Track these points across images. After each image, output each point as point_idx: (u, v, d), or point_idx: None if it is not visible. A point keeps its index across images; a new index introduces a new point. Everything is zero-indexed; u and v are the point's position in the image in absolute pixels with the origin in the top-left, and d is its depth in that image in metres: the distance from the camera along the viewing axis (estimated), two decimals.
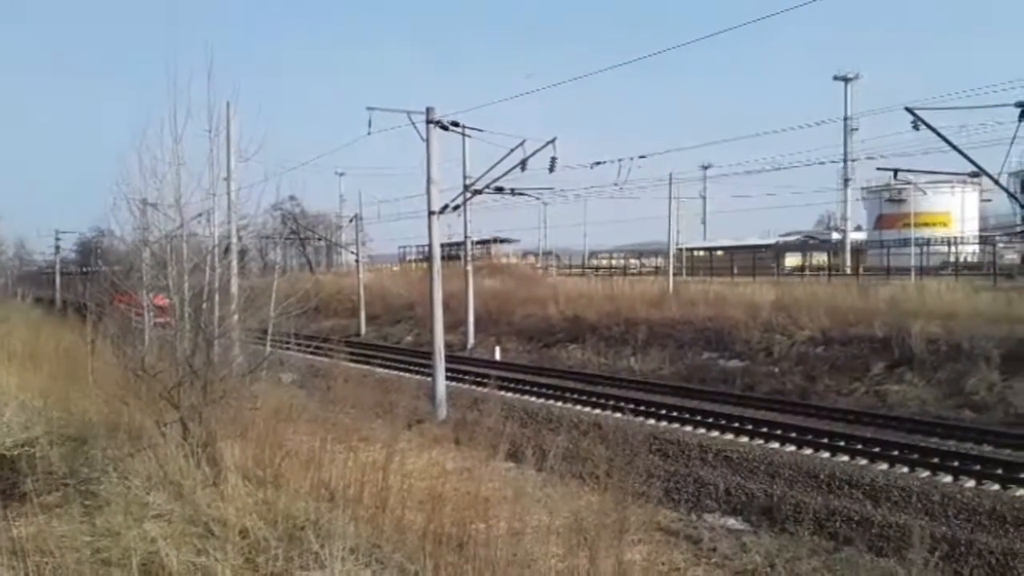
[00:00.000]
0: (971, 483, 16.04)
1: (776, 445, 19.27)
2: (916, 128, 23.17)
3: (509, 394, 26.34)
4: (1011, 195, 26.04)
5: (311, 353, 24.93)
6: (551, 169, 27.00)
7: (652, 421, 22.31)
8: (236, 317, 14.90)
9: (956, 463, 17.21)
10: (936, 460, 17.47)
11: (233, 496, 9.55)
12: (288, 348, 17.21)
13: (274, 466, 10.64)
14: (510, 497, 11.94)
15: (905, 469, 17.14)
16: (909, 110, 23.14)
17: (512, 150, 25.51)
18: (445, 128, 24.07)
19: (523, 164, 25.99)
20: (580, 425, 21.10)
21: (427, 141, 23.69)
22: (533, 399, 26.22)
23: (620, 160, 34.67)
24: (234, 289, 17.46)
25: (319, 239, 78.50)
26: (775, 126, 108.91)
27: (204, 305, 13.36)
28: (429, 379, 23.80)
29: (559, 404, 24.91)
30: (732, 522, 14.72)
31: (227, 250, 17.95)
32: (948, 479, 16.36)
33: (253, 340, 15.66)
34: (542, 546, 9.67)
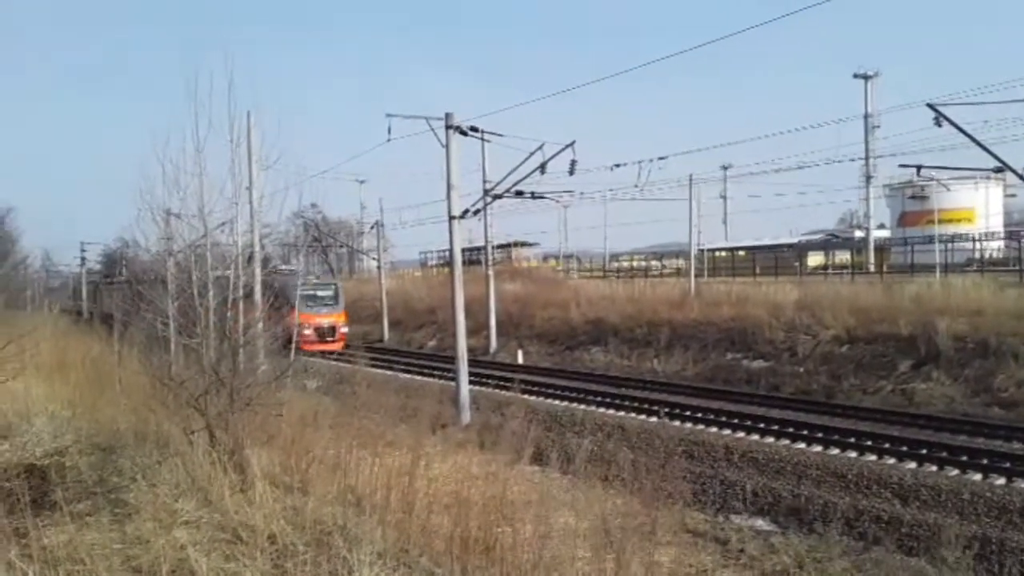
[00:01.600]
0: (1001, 480, 15.86)
1: (803, 445, 19.14)
2: (938, 124, 22.99)
3: (532, 397, 26.32)
4: None
5: (335, 360, 25.09)
6: (571, 172, 27.05)
7: (677, 423, 22.22)
8: (260, 325, 15.01)
9: (985, 461, 17.03)
10: (965, 458, 17.30)
11: (261, 502, 9.60)
12: (312, 355, 17.32)
13: (301, 472, 10.70)
14: (535, 500, 11.96)
15: (934, 468, 16.98)
16: (931, 106, 22.97)
17: (531, 154, 25.55)
18: (464, 133, 24.14)
19: (543, 167, 26.01)
20: (604, 427, 21.04)
21: (447, 146, 23.76)
22: (556, 402, 26.17)
23: (640, 162, 34.61)
24: (258, 297, 17.60)
25: (341, 246, 78.85)
26: (796, 125, 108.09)
27: (229, 313, 13.46)
28: (452, 383, 23.85)
29: (582, 407, 24.84)
30: (760, 523, 14.63)
31: (250, 258, 18.09)
32: (978, 477, 16.19)
33: (278, 347, 15.76)
34: (568, 549, 9.67)
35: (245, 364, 13.22)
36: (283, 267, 46.89)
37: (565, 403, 25.91)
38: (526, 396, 25.22)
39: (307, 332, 36.32)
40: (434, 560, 8.47)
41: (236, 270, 14.60)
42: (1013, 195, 60.53)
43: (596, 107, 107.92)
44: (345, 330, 42.69)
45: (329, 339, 40.15)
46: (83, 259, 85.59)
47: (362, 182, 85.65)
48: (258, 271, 18.38)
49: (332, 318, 41.81)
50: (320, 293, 42.07)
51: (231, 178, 14.75)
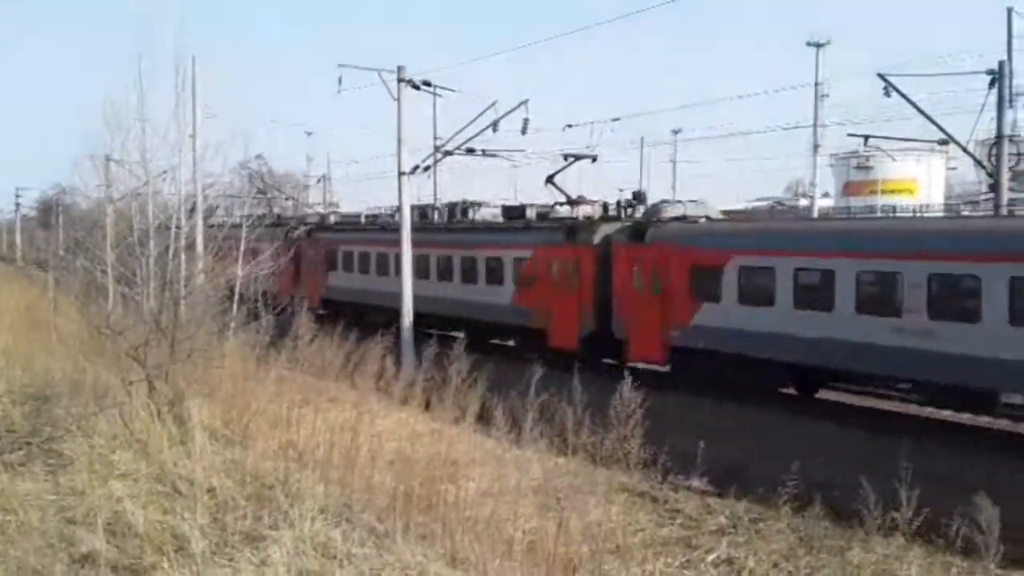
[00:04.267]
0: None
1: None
2: (888, 95, 23.26)
3: (477, 355, 26.20)
4: (977, 162, 26.20)
5: (278, 313, 24.83)
6: (523, 131, 26.81)
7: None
8: (203, 276, 14.74)
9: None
10: None
11: (201, 455, 9.50)
12: (256, 307, 17.05)
13: (242, 426, 10.60)
14: (479, 459, 12.03)
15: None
16: (881, 76, 23.21)
17: (483, 111, 25.28)
18: (416, 87, 23.78)
19: (494, 125, 25.72)
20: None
21: (398, 100, 23.43)
22: (502, 357, 26.07)
23: (592, 123, 34.50)
24: (200, 247, 17.26)
25: (286, 198, 77.71)
26: (748, 91, 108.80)
27: (171, 264, 13.18)
28: (399, 339, 23.73)
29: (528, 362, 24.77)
30: (696, 483, 14.82)
31: (193, 208, 17.70)
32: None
33: (221, 299, 15.49)
34: (512, 507, 9.75)
35: (187, 315, 12.98)
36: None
37: (511, 360, 25.81)
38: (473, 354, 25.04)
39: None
40: (377, 516, 8.46)
41: (179, 219, 14.29)
42: (954, 168, 61.77)
43: (553, 65, 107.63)
44: None
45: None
46: (18, 205, 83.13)
47: (309, 134, 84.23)
48: (200, 221, 17.99)
49: None
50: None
51: (175, 126, 14.39)
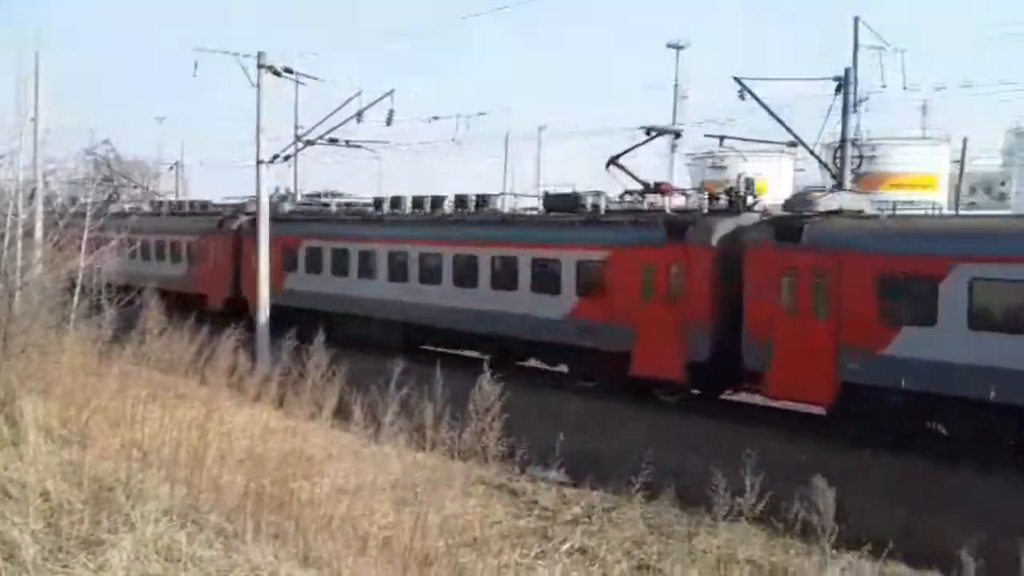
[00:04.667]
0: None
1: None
2: (742, 97, 24.21)
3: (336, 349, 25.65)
4: (823, 164, 27.61)
5: (125, 305, 23.75)
6: (388, 122, 26.70)
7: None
8: (41, 266, 13.96)
9: None
10: None
11: (34, 456, 8.95)
12: (100, 299, 16.24)
13: (80, 424, 10.05)
14: (336, 455, 11.85)
15: None
16: (737, 79, 24.15)
17: (348, 100, 25.02)
18: (278, 74, 23.21)
19: (359, 115, 25.62)
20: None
21: (258, 86, 22.85)
22: (360, 353, 25.48)
23: (459, 116, 34.40)
24: (38, 235, 16.31)
25: (135, 186, 74.31)
26: (612, 89, 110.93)
27: (6, 253, 12.43)
28: (253, 333, 23.07)
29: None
30: (554, 475, 15.06)
31: (32, 195, 16.75)
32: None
33: (61, 290, 14.68)
34: (368, 503, 9.65)
35: (22, 308, 12.27)
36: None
37: (371, 353, 25.26)
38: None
39: None
40: (226, 516, 8.19)
41: (15, 207, 13.52)
42: (802, 169, 64.98)
43: (423, 55, 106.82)
44: None
45: None
46: None
47: (161, 119, 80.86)
48: (40, 209, 16.99)
49: None
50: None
51: (15, 108, 13.59)
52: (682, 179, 67.98)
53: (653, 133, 23.39)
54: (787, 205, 17.96)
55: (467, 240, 22.07)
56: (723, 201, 19.54)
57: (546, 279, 20.05)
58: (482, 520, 10.62)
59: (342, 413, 13.44)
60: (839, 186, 24.25)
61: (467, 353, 22.15)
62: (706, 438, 15.24)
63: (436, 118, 38.55)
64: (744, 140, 31.94)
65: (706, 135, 33.63)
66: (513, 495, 12.99)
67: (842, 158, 24.98)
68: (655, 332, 17.56)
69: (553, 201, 22.79)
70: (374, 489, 10.09)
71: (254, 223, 25.43)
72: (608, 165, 22.04)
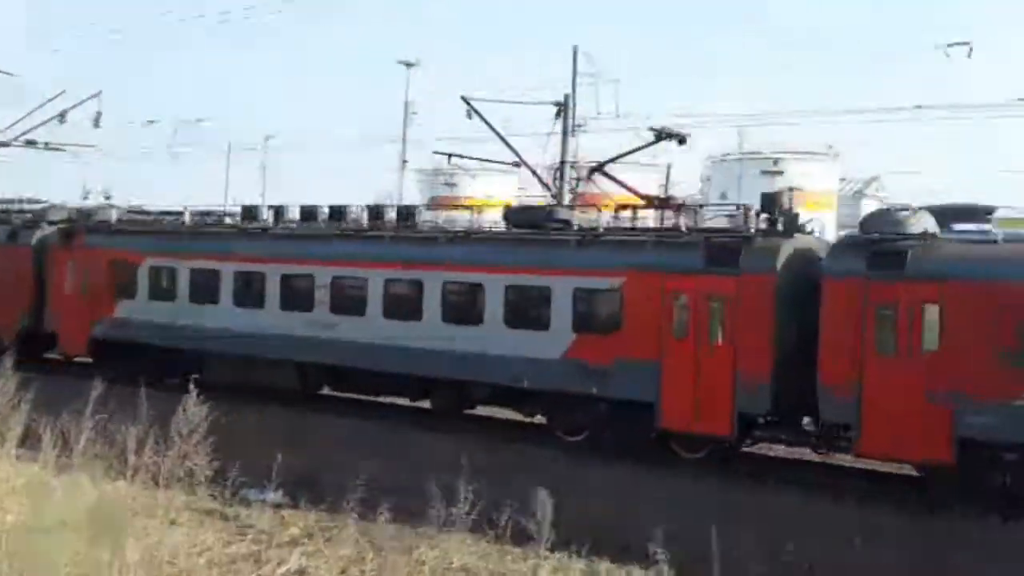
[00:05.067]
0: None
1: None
2: (470, 117, 25.03)
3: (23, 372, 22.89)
4: (544, 184, 29.03)
5: None
6: (96, 124, 25.38)
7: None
8: None
9: None
10: None
11: None
12: None
13: None
14: (20, 487, 10.84)
15: None
16: (464, 99, 24.91)
17: (50, 99, 23.43)
18: None
19: (62, 116, 24.32)
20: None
21: None
22: (58, 376, 22.75)
23: (177, 122, 32.83)
24: None
25: None
26: (342, 102, 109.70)
27: None
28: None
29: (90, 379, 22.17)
30: (272, 496, 14.63)
31: None
32: None
33: None
34: (60, 539, 8.89)
35: None
36: None
37: (71, 378, 22.63)
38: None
39: None
40: None
41: None
42: (524, 188, 68.03)
43: (136, 56, 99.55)
44: None
45: None
46: None
47: None
48: None
49: None
50: None
51: None
52: (416, 194, 69.10)
53: (664, 134, 20.29)
54: (866, 226, 14.76)
55: (408, 261, 17.91)
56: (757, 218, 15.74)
57: (527, 310, 16.64)
58: (188, 549, 10.10)
59: (30, 440, 12.31)
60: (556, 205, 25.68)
61: (393, 400, 19.14)
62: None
63: (152, 122, 36.54)
64: (470, 159, 32.94)
65: (434, 152, 34.31)
66: (225, 519, 12.51)
67: (561, 178, 26.36)
68: (691, 377, 14.55)
69: (519, 215, 19.38)
70: (65, 524, 9.29)
71: (67, 235, 22.24)
72: (590, 174, 21.07)
